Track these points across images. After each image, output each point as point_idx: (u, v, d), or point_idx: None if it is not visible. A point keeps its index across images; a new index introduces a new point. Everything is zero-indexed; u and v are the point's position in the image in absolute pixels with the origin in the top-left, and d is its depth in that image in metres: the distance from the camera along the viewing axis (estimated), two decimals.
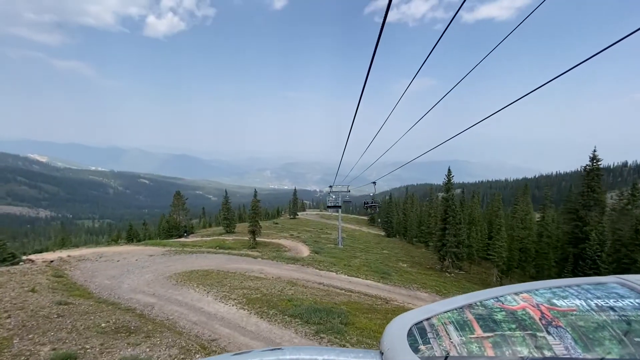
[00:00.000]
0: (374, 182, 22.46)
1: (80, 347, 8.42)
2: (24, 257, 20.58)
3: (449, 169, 30.03)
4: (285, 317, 11.84)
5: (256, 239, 31.22)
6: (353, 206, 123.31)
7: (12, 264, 18.78)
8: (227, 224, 42.12)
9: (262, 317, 11.86)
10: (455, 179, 32.43)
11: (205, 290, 14.97)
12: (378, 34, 2.75)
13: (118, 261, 21.38)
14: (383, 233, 63.91)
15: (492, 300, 1.19)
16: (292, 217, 76.11)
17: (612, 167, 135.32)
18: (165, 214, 51.20)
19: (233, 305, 12.99)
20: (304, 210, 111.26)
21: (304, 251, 31.00)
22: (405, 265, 31.67)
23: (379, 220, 72.89)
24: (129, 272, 18.86)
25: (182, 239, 37.31)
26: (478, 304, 1.18)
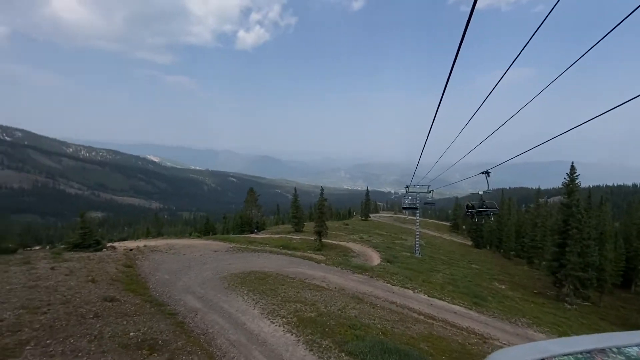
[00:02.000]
0: (487, 172, 10.87)
1: None
2: (108, 244, 22.12)
3: (572, 166, 22.74)
4: (342, 355, 8.86)
5: (322, 240, 28.94)
6: (434, 210, 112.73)
7: (96, 250, 20.07)
8: (295, 223, 41.19)
9: (311, 349, 9.13)
10: (556, 183, 24.68)
11: (254, 299, 12.99)
12: (465, 23, 2.77)
13: (184, 255, 21.37)
14: (470, 243, 55.53)
15: (636, 348, 0.87)
16: (363, 218, 72.55)
17: None
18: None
19: (280, 326, 10.58)
20: (376, 212, 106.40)
21: (374, 258, 27.52)
22: (503, 287, 25.52)
23: (465, 227, 64.01)
24: (189, 267, 18.33)
25: (253, 235, 37.49)
26: (615, 350, 0.87)
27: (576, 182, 23.02)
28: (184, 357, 8.21)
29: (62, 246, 20.36)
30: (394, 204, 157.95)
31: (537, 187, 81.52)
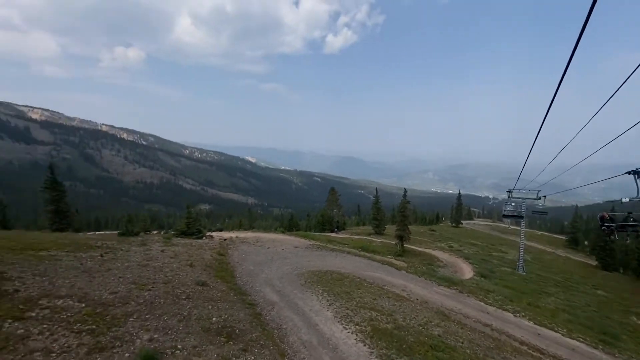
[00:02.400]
0: (637, 172, 7.52)
1: (173, 345, 7.55)
2: (207, 233, 24.99)
3: None
4: None
5: (404, 245, 27.14)
6: (544, 220, 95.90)
7: (197, 238, 22.85)
8: (376, 225, 39.91)
9: None
10: None
11: (328, 300, 12.69)
12: None
13: (268, 248, 22.61)
14: (595, 263, 45.03)
15: None
16: (454, 225, 66.16)
17: None
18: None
19: (353, 333, 9.98)
20: (470, 218, 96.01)
21: (465, 271, 24.49)
22: None
23: (587, 243, 52.26)
24: (272, 260, 19.22)
25: (333, 234, 37.76)
26: None
27: None
28: (256, 350, 8.35)
29: (172, 232, 23.85)
30: (491, 210, 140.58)
31: None
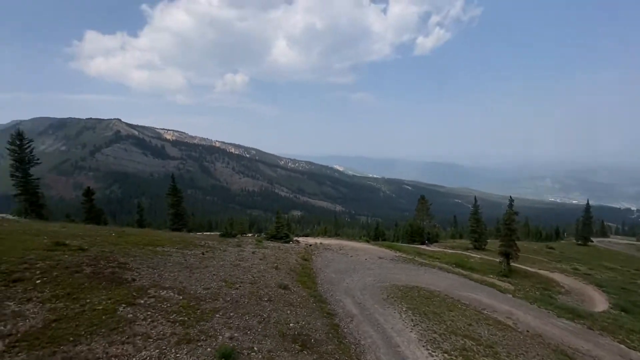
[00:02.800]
0: None
1: (250, 346, 7.78)
2: (294, 238, 26.10)
3: None
4: None
5: (510, 264, 23.11)
6: None
7: (285, 242, 24.08)
8: (475, 238, 35.29)
9: None
10: None
11: (413, 320, 11.48)
12: None
13: (351, 257, 22.21)
14: None
15: None
16: (580, 243, 53.91)
17: None
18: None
19: None
20: (604, 235, 77.06)
21: (597, 301, 19.32)
22: None
23: None
24: (354, 270, 18.74)
25: (423, 246, 35.03)
26: None
27: None
28: None
29: (263, 235, 25.74)
30: (636, 226, 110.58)
31: None
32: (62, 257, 9.90)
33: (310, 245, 25.49)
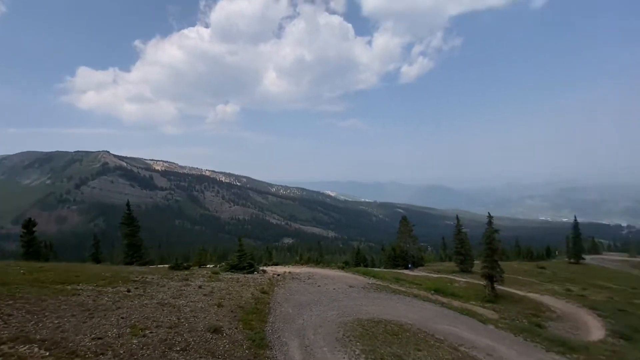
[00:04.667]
0: None
1: None
2: (261, 268, 23.73)
3: None
4: None
5: (495, 287, 21.05)
6: None
7: (248, 272, 21.71)
8: (460, 260, 33.26)
9: None
10: None
11: None
12: None
13: (318, 286, 19.94)
14: None
15: None
16: (572, 261, 52.13)
17: None
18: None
19: None
20: (596, 252, 75.65)
21: (592, 327, 17.27)
22: None
23: None
24: (317, 302, 16.49)
25: (406, 271, 32.74)
26: None
27: None
28: None
29: (220, 266, 23.31)
30: (627, 242, 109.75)
31: None
32: None
33: (278, 275, 23.15)
